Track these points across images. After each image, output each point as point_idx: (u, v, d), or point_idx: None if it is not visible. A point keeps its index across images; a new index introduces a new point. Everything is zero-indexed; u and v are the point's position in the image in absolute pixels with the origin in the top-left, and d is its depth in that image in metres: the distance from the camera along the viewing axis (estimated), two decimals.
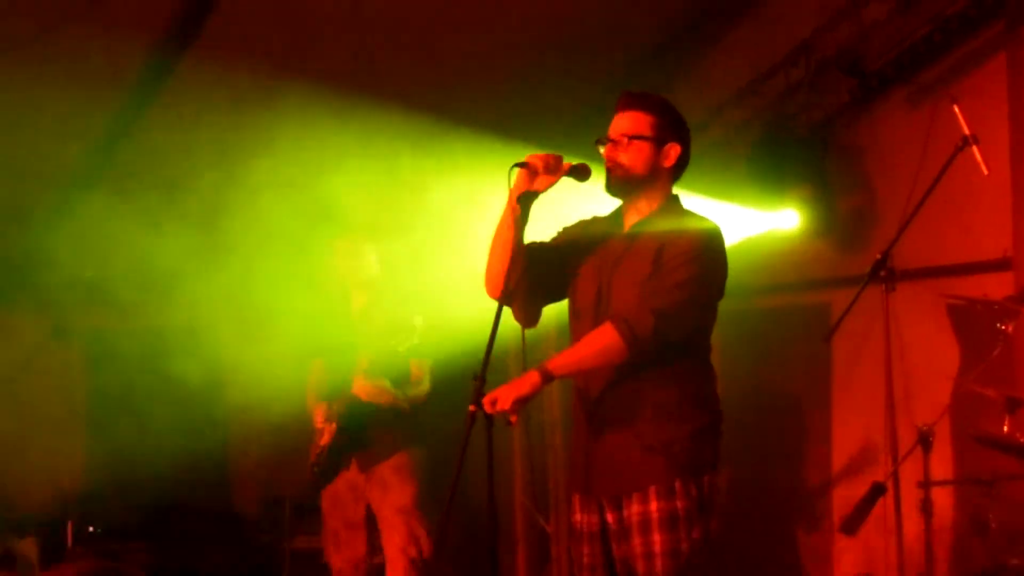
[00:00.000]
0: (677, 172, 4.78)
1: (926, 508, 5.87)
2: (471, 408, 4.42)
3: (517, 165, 4.62)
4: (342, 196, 7.38)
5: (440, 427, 6.71)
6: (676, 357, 4.61)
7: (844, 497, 7.67)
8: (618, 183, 4.71)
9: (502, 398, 4.44)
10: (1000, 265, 6.79)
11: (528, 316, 4.88)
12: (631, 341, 4.44)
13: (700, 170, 8.45)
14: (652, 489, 4.53)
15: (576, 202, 4.95)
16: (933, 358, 7.11)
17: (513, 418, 4.49)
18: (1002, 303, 5.87)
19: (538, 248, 4.80)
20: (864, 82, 7.35)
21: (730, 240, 4.81)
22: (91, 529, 8.56)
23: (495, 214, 4.68)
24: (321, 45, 7.27)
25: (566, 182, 4.61)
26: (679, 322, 4.50)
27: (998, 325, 5.88)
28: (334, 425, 6.80)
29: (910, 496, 6.04)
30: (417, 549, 6.77)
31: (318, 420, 6.91)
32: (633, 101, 4.75)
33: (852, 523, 5.69)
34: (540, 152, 4.61)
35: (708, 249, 4.62)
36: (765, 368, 8.74)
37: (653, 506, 4.52)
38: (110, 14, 6.27)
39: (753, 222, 8.01)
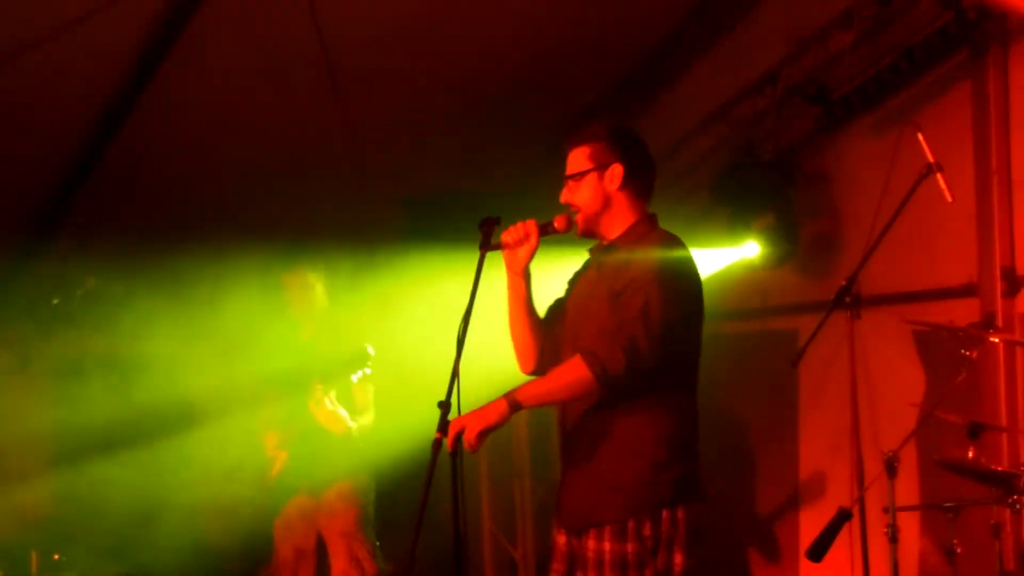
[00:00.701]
0: (633, 188, 4.73)
1: (892, 534, 5.88)
2: (437, 435, 4.43)
3: (491, 249, 4.65)
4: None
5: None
6: (655, 392, 4.59)
7: (811, 523, 7.69)
8: (583, 224, 4.74)
9: (469, 427, 4.45)
10: (965, 291, 6.81)
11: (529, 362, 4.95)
12: (601, 377, 4.42)
13: (665, 199, 8.57)
14: (607, 528, 4.55)
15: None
16: (898, 384, 7.13)
17: (475, 446, 4.50)
18: (966, 330, 5.88)
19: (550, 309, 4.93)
20: (829, 109, 7.38)
21: (697, 266, 4.76)
22: (56, 557, 8.52)
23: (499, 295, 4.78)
24: None
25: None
26: (650, 351, 4.44)
27: (962, 351, 5.89)
28: (284, 453, 6.83)
29: (876, 522, 6.05)
30: (360, 571, 6.79)
31: (269, 448, 6.94)
32: (571, 140, 4.78)
33: (818, 549, 5.68)
34: (509, 227, 4.70)
35: (664, 270, 4.55)
36: (732, 393, 8.75)
37: (606, 546, 4.55)
38: None
39: (718, 249, 8.04)
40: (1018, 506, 5.59)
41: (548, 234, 4.71)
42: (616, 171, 4.69)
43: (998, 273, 6.62)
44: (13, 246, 8.17)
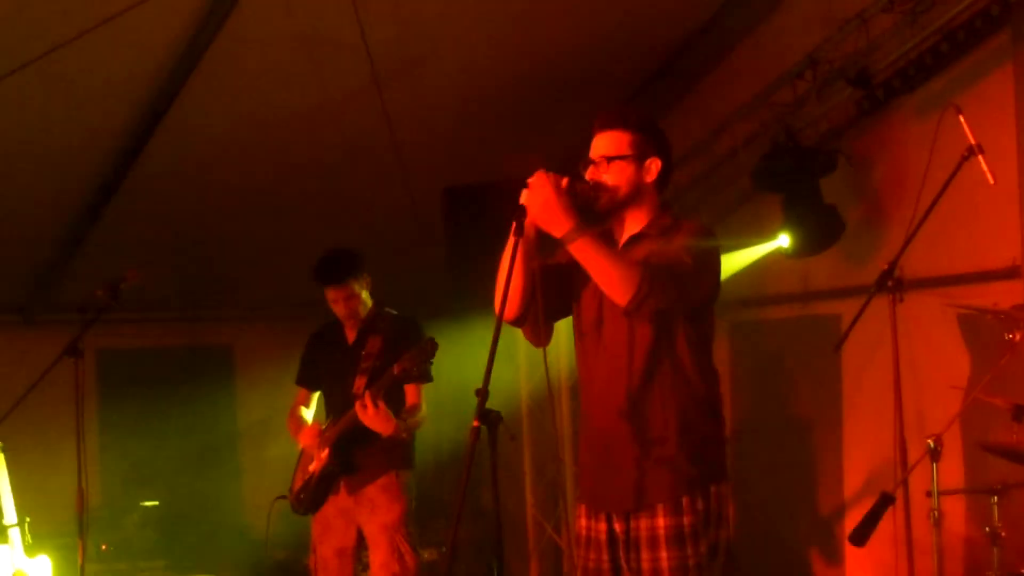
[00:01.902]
0: (661, 185, 4.77)
1: (936, 518, 5.86)
2: (475, 423, 4.44)
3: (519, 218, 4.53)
4: None
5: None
6: (679, 359, 4.60)
7: (854, 508, 7.68)
8: (605, 204, 4.70)
9: (529, 206, 4.44)
10: (1008, 274, 6.78)
11: (539, 336, 4.81)
12: (643, 288, 4.30)
13: (706, 185, 8.58)
14: (659, 506, 4.56)
15: None
16: (942, 367, 7.11)
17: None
18: (1010, 312, 5.86)
19: (543, 269, 4.74)
20: (870, 93, 7.35)
21: (736, 252, 4.80)
22: (104, 547, 8.59)
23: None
24: None
25: None
26: (692, 284, 4.48)
27: (1006, 334, 5.87)
28: (327, 451, 6.81)
29: (920, 506, 6.03)
30: (400, 565, 6.74)
31: (305, 440, 6.91)
32: (611, 120, 4.75)
33: (861, 534, 5.65)
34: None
35: (703, 239, 4.58)
36: (774, 379, 8.75)
37: (660, 522, 4.55)
38: None
39: (760, 235, 8.04)
40: None
41: (574, 189, 4.55)
42: (655, 165, 4.71)
43: None
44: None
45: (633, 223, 4.75)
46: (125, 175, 7.77)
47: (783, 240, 7.90)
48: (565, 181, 4.50)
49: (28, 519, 7.95)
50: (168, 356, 9.82)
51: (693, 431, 4.59)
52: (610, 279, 4.37)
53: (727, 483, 4.63)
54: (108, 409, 9.38)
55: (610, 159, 4.69)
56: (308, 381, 7.27)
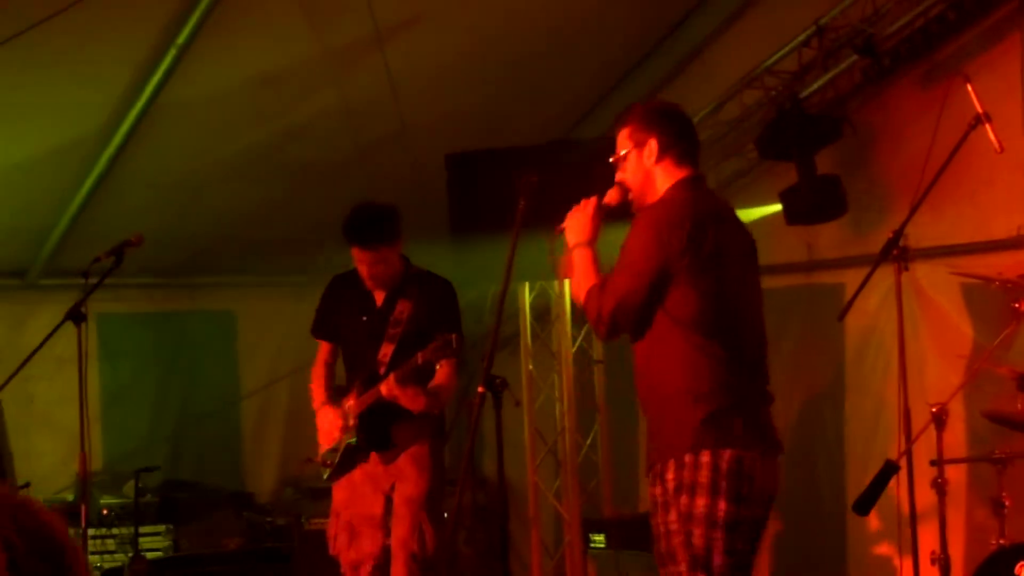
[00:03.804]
0: (673, 156, 4.88)
1: (939, 487, 5.85)
2: (480, 389, 4.44)
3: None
4: None
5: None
6: (676, 341, 4.71)
7: (857, 476, 7.67)
8: (635, 199, 4.93)
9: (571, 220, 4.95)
10: (1014, 243, 6.78)
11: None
12: (593, 322, 4.78)
13: (712, 153, 8.56)
14: (648, 475, 4.77)
15: None
16: (946, 336, 7.10)
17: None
18: (1016, 281, 5.85)
19: None
20: (877, 61, 7.33)
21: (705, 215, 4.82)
22: (104, 512, 8.60)
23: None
24: None
25: None
26: (620, 310, 4.69)
27: (1012, 303, 5.86)
28: (354, 423, 6.56)
29: (923, 475, 6.03)
30: (420, 544, 6.43)
31: (329, 426, 6.65)
32: (615, 124, 5.04)
33: (865, 502, 5.65)
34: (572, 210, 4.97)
35: (651, 226, 4.71)
36: (778, 348, 8.71)
37: (649, 490, 4.77)
38: None
39: (765, 202, 8.02)
40: None
41: (605, 209, 4.91)
42: (652, 146, 4.86)
43: None
44: None
45: (653, 199, 4.93)
46: (129, 137, 7.73)
47: (803, 196, 7.86)
48: (594, 201, 4.91)
49: (29, 483, 7.97)
50: (170, 321, 9.78)
51: (672, 401, 4.70)
52: (579, 301, 4.89)
53: (713, 452, 4.60)
54: (108, 374, 9.36)
55: (618, 159, 4.95)
56: (327, 332, 6.85)
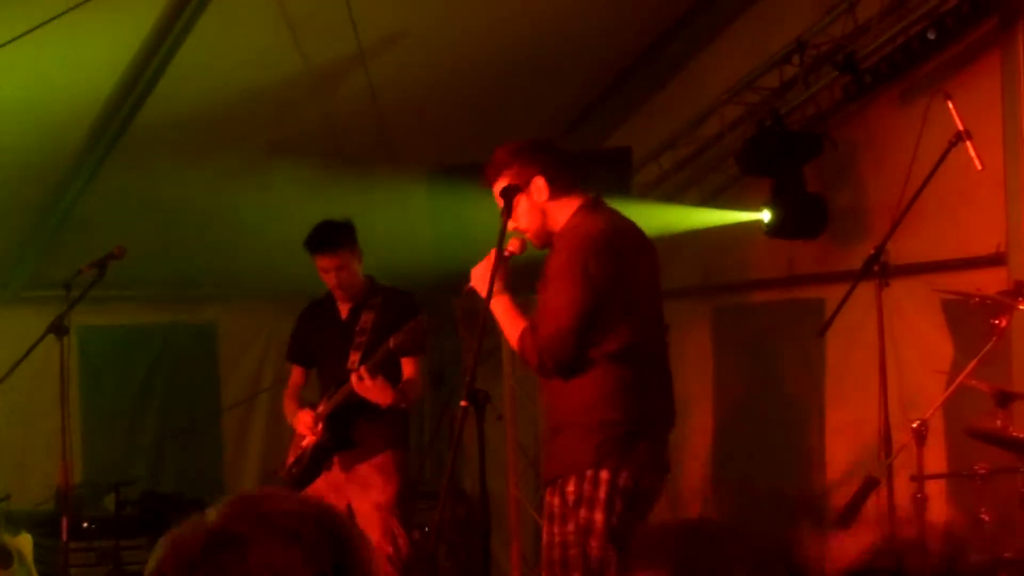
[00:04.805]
0: (561, 187, 4.93)
1: (919, 502, 5.87)
2: (463, 403, 4.47)
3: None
4: None
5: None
6: (586, 364, 4.83)
7: (838, 491, 7.69)
8: (536, 241, 5.01)
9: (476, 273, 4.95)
10: (994, 260, 6.79)
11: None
12: (521, 353, 4.89)
13: (693, 168, 8.58)
14: (548, 486, 4.93)
15: None
16: (927, 353, 7.12)
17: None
18: (995, 298, 5.87)
19: None
20: (858, 78, 7.35)
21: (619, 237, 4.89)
22: (85, 525, 8.56)
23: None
24: None
25: None
26: (562, 348, 4.75)
27: (991, 320, 5.88)
28: (320, 427, 6.76)
29: (904, 490, 6.05)
30: (394, 547, 6.67)
31: (302, 427, 6.86)
32: (488, 177, 5.01)
33: (846, 517, 5.68)
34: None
35: (567, 258, 4.80)
36: (759, 363, 8.75)
37: (547, 499, 4.93)
38: None
39: (746, 219, 8.04)
40: None
41: (507, 260, 4.92)
42: (540, 184, 4.90)
43: None
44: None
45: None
46: (110, 150, 7.72)
47: (765, 215, 7.90)
48: (493, 252, 4.87)
49: (9, 495, 7.93)
50: (151, 333, 9.77)
51: (576, 420, 4.84)
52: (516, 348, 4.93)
53: (611, 470, 4.77)
54: (89, 386, 9.33)
55: (506, 210, 4.92)
56: (301, 358, 7.21)
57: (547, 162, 4.92)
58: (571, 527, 4.76)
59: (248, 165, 8.34)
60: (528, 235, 4.94)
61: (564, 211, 4.89)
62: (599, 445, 4.76)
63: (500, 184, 4.91)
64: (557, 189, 4.89)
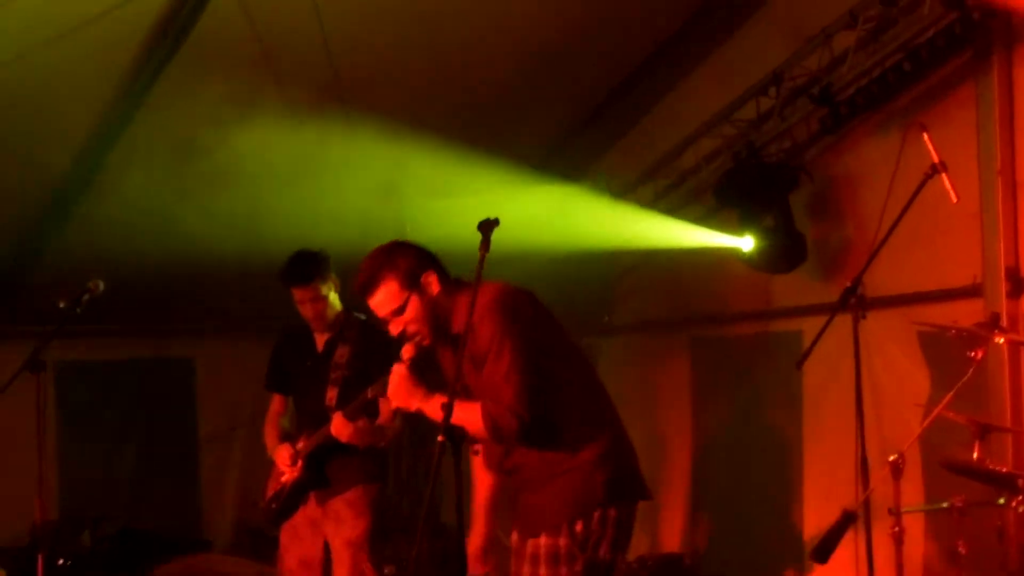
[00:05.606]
0: (440, 274, 4.99)
1: (897, 535, 5.86)
2: (440, 438, 4.46)
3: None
4: None
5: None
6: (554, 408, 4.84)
7: (815, 524, 7.68)
8: (429, 338, 4.99)
9: (393, 397, 4.91)
10: (970, 292, 6.80)
11: None
12: (497, 436, 4.79)
13: (670, 201, 8.59)
14: (542, 532, 4.85)
15: None
16: (903, 385, 7.12)
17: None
18: (971, 330, 5.86)
19: None
20: (834, 110, 7.37)
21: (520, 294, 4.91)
22: (61, 561, 8.51)
23: None
24: None
25: None
26: (531, 399, 4.72)
27: (967, 352, 5.88)
28: (300, 463, 6.75)
29: (881, 523, 6.04)
30: None
31: (282, 463, 6.85)
32: (365, 290, 4.96)
33: (823, 550, 5.66)
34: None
35: (501, 326, 4.78)
36: (736, 395, 8.76)
37: (541, 541, 4.84)
38: None
39: (722, 251, 8.05)
40: (1022, 508, 5.57)
41: (414, 363, 4.93)
42: (431, 279, 4.95)
43: (1003, 273, 6.62)
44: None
45: (453, 322, 4.97)
46: (86, 183, 7.71)
47: (746, 243, 7.91)
48: (401, 367, 4.91)
49: None
50: (129, 369, 9.75)
51: (555, 472, 4.86)
52: (478, 432, 4.81)
53: (614, 507, 4.84)
54: (66, 422, 9.31)
55: (395, 312, 4.94)
56: (279, 385, 7.16)
57: (424, 257, 4.99)
58: (579, 567, 4.78)
59: (227, 199, 8.32)
60: (419, 333, 4.95)
61: (452, 292, 4.95)
62: (605, 484, 4.82)
63: (386, 291, 4.92)
64: (440, 277, 4.97)
